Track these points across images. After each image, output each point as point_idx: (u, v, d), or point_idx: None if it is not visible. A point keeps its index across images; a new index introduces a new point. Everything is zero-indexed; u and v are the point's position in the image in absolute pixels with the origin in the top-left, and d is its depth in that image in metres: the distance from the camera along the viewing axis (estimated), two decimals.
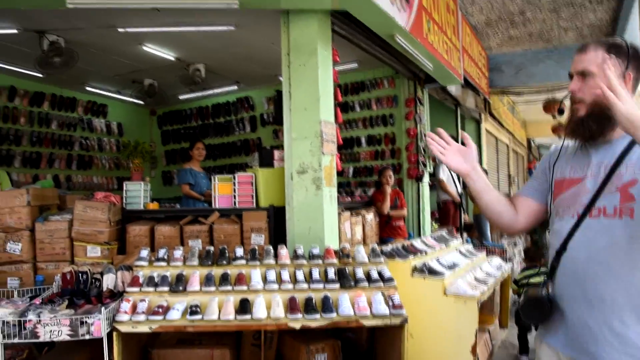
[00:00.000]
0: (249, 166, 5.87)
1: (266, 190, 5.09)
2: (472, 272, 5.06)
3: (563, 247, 1.90)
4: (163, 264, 4.06)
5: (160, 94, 9.64)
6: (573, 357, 1.86)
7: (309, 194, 4.70)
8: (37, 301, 3.72)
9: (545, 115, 12.48)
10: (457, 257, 5.54)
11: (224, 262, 4.09)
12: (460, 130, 1.98)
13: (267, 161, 5.39)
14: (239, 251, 4.21)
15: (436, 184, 9.05)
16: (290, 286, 3.83)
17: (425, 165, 8.09)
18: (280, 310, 3.56)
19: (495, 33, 9.46)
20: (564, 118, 2.12)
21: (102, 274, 4.02)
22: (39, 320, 3.31)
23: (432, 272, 4.66)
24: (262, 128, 10.74)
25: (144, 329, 3.44)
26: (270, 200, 5.01)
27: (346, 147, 9.56)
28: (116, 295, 3.82)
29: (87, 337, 3.33)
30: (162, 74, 8.92)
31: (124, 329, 3.42)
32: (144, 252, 4.17)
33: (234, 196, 5.14)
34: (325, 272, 4.01)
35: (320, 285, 3.84)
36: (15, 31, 6.31)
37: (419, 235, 7.57)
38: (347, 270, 4.04)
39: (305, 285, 3.84)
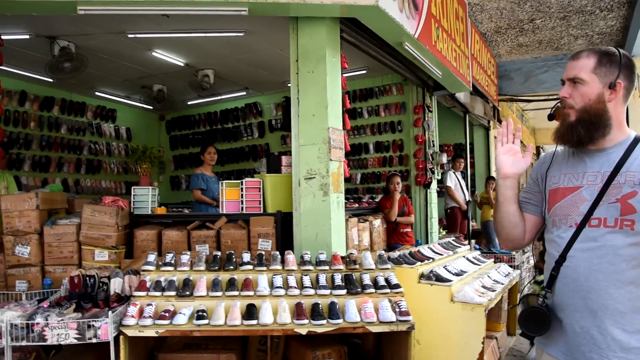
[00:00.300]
0: (256, 172, 5.88)
1: (274, 196, 5.10)
2: (479, 279, 5.04)
3: (562, 257, 1.90)
4: (170, 268, 4.07)
5: (169, 99, 9.70)
6: None
7: (316, 200, 4.70)
8: (45, 304, 3.73)
9: (555, 122, 12.40)
10: (465, 264, 5.52)
11: (231, 267, 4.09)
12: (528, 145, 1.97)
13: (274, 167, 5.40)
14: (246, 256, 4.22)
15: (444, 191, 9.03)
16: (297, 292, 3.82)
17: (433, 172, 8.07)
18: (286, 315, 3.55)
19: (505, 40, 9.45)
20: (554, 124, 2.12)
21: (109, 278, 4.03)
22: (47, 324, 3.32)
23: (439, 279, 4.65)
24: (270, 134, 10.77)
25: (151, 333, 3.45)
26: (277, 206, 5.02)
27: (354, 154, 9.58)
28: (123, 299, 3.83)
29: (94, 340, 3.34)
30: (171, 80, 8.99)
31: (130, 333, 3.43)
32: (152, 257, 4.18)
33: (242, 202, 5.15)
34: (332, 278, 4.00)
35: (327, 291, 3.83)
36: (27, 36, 6.38)
37: (427, 242, 7.54)
38: (354, 277, 4.03)
39: (312, 291, 3.83)
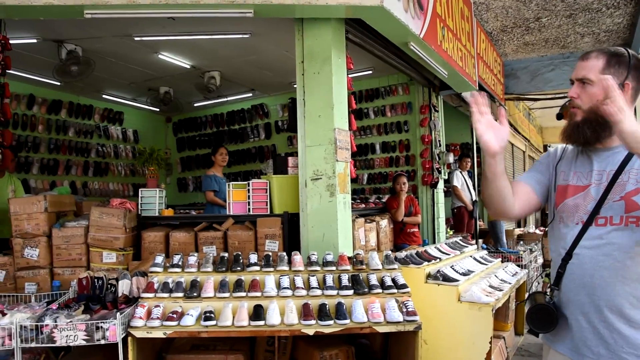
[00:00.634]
0: (263, 173, 5.90)
1: (280, 197, 5.11)
2: (486, 279, 5.03)
3: (569, 254, 1.92)
4: (178, 270, 4.09)
5: (175, 101, 9.74)
6: None
7: (323, 200, 4.70)
8: (54, 306, 3.76)
9: (562, 121, 12.35)
10: (472, 263, 5.51)
11: (238, 268, 4.10)
12: (500, 109, 1.93)
13: (281, 168, 5.41)
14: (253, 257, 4.23)
15: (450, 191, 9.01)
16: (304, 292, 3.83)
17: (439, 172, 8.06)
18: (294, 316, 3.56)
19: (511, 39, 9.41)
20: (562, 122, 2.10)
21: (117, 279, 4.05)
22: (56, 325, 3.35)
23: (446, 278, 4.64)
24: (276, 135, 10.79)
25: (159, 334, 3.46)
26: (284, 207, 5.03)
27: (360, 154, 9.58)
28: (131, 300, 3.85)
29: (102, 342, 3.36)
30: (177, 82, 9.02)
31: (138, 334, 3.45)
32: (159, 258, 4.20)
33: (249, 203, 5.16)
34: (339, 279, 4.01)
35: (334, 292, 3.84)
36: (34, 40, 6.43)
37: (434, 241, 7.54)
38: (360, 277, 4.03)
39: (319, 292, 3.84)
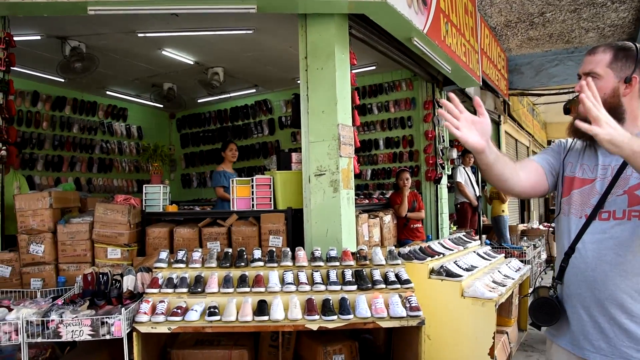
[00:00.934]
0: (267, 169, 5.90)
1: (284, 193, 5.12)
2: (490, 275, 5.03)
3: (572, 248, 1.93)
4: (182, 265, 4.11)
5: (179, 97, 9.75)
6: (585, 356, 1.88)
7: (326, 196, 4.71)
8: (60, 302, 3.79)
9: (566, 116, 12.31)
10: (475, 259, 5.51)
11: (242, 263, 4.12)
12: (474, 98, 1.89)
13: (285, 164, 5.42)
14: (257, 253, 4.25)
15: (454, 186, 9.01)
16: (307, 288, 3.84)
17: (443, 168, 8.06)
18: (297, 311, 3.57)
19: (515, 34, 9.39)
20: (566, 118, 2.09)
21: (122, 275, 4.07)
22: (62, 320, 3.37)
23: (449, 274, 4.65)
24: (280, 131, 10.79)
25: (163, 329, 3.48)
26: (288, 203, 5.04)
27: (364, 150, 9.57)
28: (136, 296, 3.87)
29: (107, 337, 3.38)
30: (181, 78, 9.03)
31: (143, 329, 3.47)
32: (163, 254, 4.22)
33: (252, 199, 5.18)
34: (343, 274, 4.02)
35: (338, 287, 3.85)
36: (38, 37, 6.45)
37: (437, 237, 7.54)
38: (364, 272, 4.05)
39: (322, 287, 3.85)
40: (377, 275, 4.01)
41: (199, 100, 10.96)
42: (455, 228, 8.60)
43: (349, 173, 4.83)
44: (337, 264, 4.14)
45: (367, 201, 7.38)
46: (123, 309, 3.47)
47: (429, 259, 4.89)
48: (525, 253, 7.45)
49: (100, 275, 4.08)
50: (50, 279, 4.73)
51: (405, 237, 6.84)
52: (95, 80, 8.74)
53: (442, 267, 4.75)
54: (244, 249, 4.36)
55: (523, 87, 11.29)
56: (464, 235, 6.58)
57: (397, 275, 4.02)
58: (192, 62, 8.02)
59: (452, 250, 5.48)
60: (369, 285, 3.87)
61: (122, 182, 10.71)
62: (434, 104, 8.04)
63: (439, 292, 4.58)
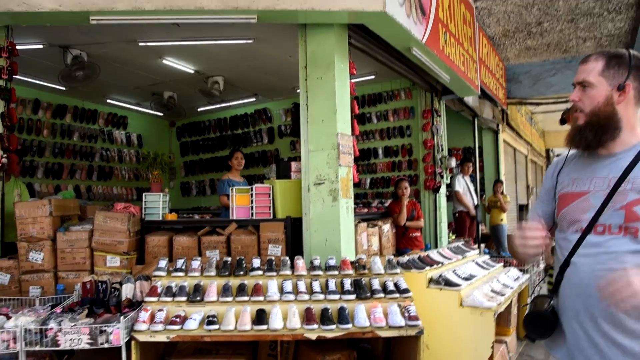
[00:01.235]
0: (266, 177, 5.91)
1: (283, 202, 5.13)
2: (489, 284, 5.04)
3: (567, 262, 1.91)
4: (181, 274, 4.11)
5: (179, 106, 9.78)
6: None
7: (325, 205, 4.73)
8: (58, 310, 3.79)
9: (566, 125, 12.38)
10: (474, 268, 5.52)
11: (241, 272, 4.13)
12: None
13: (284, 173, 5.43)
14: (256, 262, 4.26)
15: (452, 195, 9.03)
16: (306, 297, 3.85)
17: (442, 177, 8.08)
18: (296, 320, 3.58)
19: (513, 44, 9.44)
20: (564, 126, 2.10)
21: (121, 283, 4.08)
22: (60, 329, 3.38)
23: (448, 283, 4.65)
24: (279, 139, 10.82)
25: (162, 338, 3.49)
26: (287, 212, 5.05)
27: (363, 159, 9.61)
28: (135, 304, 3.88)
29: (106, 345, 3.38)
30: (181, 87, 9.07)
31: (142, 338, 3.47)
32: (163, 263, 4.23)
33: (252, 207, 5.19)
34: (342, 283, 4.03)
35: (337, 296, 3.86)
36: (40, 46, 6.49)
37: (436, 246, 7.55)
38: (363, 281, 4.05)
39: (321, 296, 3.86)
40: (376, 284, 4.02)
41: (199, 109, 10.99)
42: (454, 237, 8.61)
43: (348, 182, 4.85)
44: (336, 273, 4.15)
45: (366, 210, 7.39)
46: (122, 317, 3.47)
47: (428, 268, 4.89)
48: (523, 262, 7.44)
49: (99, 284, 4.08)
50: (49, 287, 4.73)
51: (404, 246, 6.84)
52: (95, 89, 8.78)
53: (440, 276, 4.76)
54: (243, 257, 4.37)
55: (521, 96, 11.34)
56: (462, 244, 6.59)
57: (395, 285, 4.03)
58: (192, 71, 8.05)
59: (451, 259, 5.49)
60: (368, 294, 3.88)
61: (121, 190, 10.72)
62: (433, 113, 8.07)
63: (437, 301, 4.59)
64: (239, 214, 5.24)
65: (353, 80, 5.19)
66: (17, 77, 4.91)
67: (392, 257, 4.51)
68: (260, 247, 4.91)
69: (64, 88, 8.51)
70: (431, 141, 8.12)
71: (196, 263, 4.23)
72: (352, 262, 4.31)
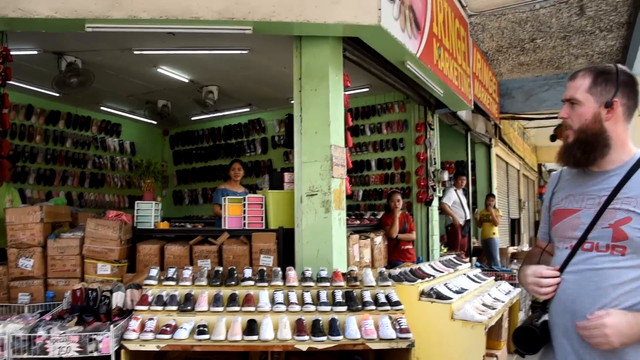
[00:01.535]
0: (259, 188, 5.91)
1: (276, 212, 5.13)
2: (480, 297, 5.05)
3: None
4: (172, 283, 4.10)
5: (172, 115, 9.78)
6: None
7: (318, 216, 4.73)
8: (47, 317, 3.76)
9: (558, 141, 12.48)
10: (466, 281, 5.53)
11: (233, 282, 4.11)
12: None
13: (277, 183, 5.44)
14: (248, 272, 4.25)
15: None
16: (297, 308, 3.85)
17: (434, 190, 8.11)
18: (287, 331, 3.57)
19: (506, 59, 9.54)
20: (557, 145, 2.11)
21: (111, 291, 4.06)
22: (49, 336, 3.35)
23: (439, 296, 4.66)
24: (273, 150, 10.84)
25: (152, 347, 3.47)
26: (279, 222, 5.05)
27: (356, 170, 9.63)
28: (125, 313, 3.86)
29: (95, 354, 3.36)
30: (175, 96, 9.08)
31: (131, 347, 3.45)
32: (154, 271, 4.21)
33: (244, 217, 5.18)
34: (333, 295, 4.03)
35: (328, 308, 3.85)
36: (35, 52, 6.48)
37: (428, 259, 7.56)
38: (354, 293, 4.05)
39: (312, 307, 3.86)
40: (367, 296, 4.02)
41: (192, 118, 11.00)
42: (445, 250, 8.63)
43: (340, 194, 4.86)
44: (328, 284, 4.15)
45: (358, 222, 7.40)
46: (112, 325, 3.45)
47: (420, 280, 4.90)
48: (515, 276, 7.47)
49: (90, 291, 4.06)
50: (38, 294, 4.69)
51: (396, 258, 6.85)
52: (89, 96, 8.77)
53: (432, 289, 4.77)
54: (234, 267, 4.36)
55: (514, 111, 11.43)
56: (454, 257, 6.60)
57: (387, 297, 4.03)
58: (187, 80, 8.07)
59: (443, 272, 5.50)
60: (359, 306, 3.88)
61: (113, 197, 10.68)
62: (426, 127, 8.11)
63: (429, 314, 4.59)
64: (232, 223, 5.23)
65: (347, 93, 5.21)
66: (10, 82, 4.89)
67: (383, 269, 4.52)
68: (252, 258, 4.90)
69: (57, 94, 8.50)
70: (424, 154, 8.15)
71: (187, 272, 4.21)
72: (343, 274, 4.31)
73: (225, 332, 3.55)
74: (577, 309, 1.81)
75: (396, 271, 5.07)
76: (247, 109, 10.41)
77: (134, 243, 5.14)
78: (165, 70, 7.57)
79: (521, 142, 15.48)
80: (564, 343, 1.87)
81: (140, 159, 7.27)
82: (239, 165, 6.74)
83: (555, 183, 2.10)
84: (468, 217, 9.20)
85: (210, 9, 4.39)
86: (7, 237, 4.79)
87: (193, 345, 3.49)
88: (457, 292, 4.90)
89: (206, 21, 4.45)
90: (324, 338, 3.53)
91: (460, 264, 6.19)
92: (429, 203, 8.05)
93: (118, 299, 3.97)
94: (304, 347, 3.49)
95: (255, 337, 3.51)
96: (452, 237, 9.08)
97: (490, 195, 10.47)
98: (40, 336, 3.35)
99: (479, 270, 6.63)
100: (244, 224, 5.17)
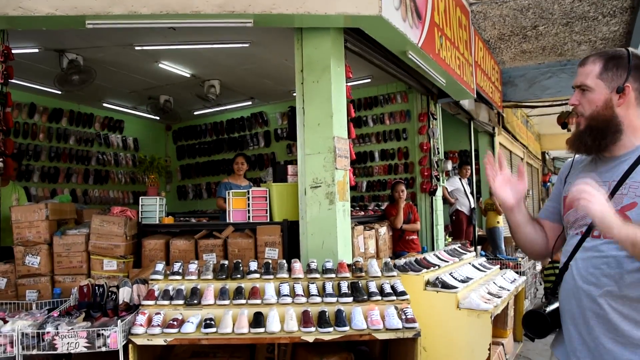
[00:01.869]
0: (263, 181, 5.91)
1: (280, 205, 5.14)
2: (485, 286, 5.06)
3: (565, 265, 1.92)
4: (178, 277, 4.12)
5: (175, 110, 9.78)
6: None
7: (322, 208, 4.74)
8: (55, 313, 3.78)
9: (560, 127, 12.46)
10: (471, 270, 5.54)
11: (238, 275, 4.13)
12: (519, 165, 1.94)
13: (281, 176, 5.44)
14: (253, 265, 4.26)
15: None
16: (303, 300, 3.86)
17: (438, 180, 8.10)
18: (293, 323, 3.58)
19: (508, 47, 9.48)
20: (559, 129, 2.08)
21: (118, 287, 4.08)
22: (57, 332, 3.37)
23: (445, 285, 4.67)
24: (276, 143, 10.83)
25: (159, 341, 3.49)
26: (284, 215, 5.06)
27: (359, 162, 9.61)
28: (132, 308, 3.88)
29: (103, 349, 3.38)
30: (177, 90, 9.07)
31: (139, 341, 3.47)
32: (160, 266, 4.23)
33: (248, 211, 5.19)
34: (339, 286, 4.04)
35: (334, 299, 3.87)
36: (36, 50, 6.48)
37: (433, 249, 7.56)
38: (360, 284, 4.06)
39: (318, 299, 3.87)
40: (372, 287, 4.03)
41: (195, 113, 10.99)
42: (450, 239, 8.63)
43: (344, 185, 4.86)
44: (333, 275, 4.16)
45: (362, 213, 7.41)
46: (119, 320, 3.47)
47: (425, 270, 4.91)
48: (520, 264, 7.48)
49: (96, 287, 4.08)
50: (45, 291, 4.72)
51: (401, 248, 6.86)
52: (92, 93, 8.77)
53: (437, 278, 4.78)
54: (240, 261, 4.37)
55: (517, 99, 11.37)
56: (459, 246, 6.61)
57: (392, 287, 4.04)
58: (188, 75, 8.06)
59: (448, 261, 5.51)
60: (365, 297, 3.89)
61: (118, 193, 10.70)
62: (429, 116, 8.09)
63: (434, 303, 4.60)
64: (236, 217, 5.24)
65: (349, 84, 5.20)
66: (13, 81, 4.90)
67: (388, 259, 4.52)
68: (257, 251, 4.91)
69: (60, 92, 8.50)
70: (427, 144, 8.14)
71: (193, 266, 4.23)
72: (349, 265, 4.32)
73: (232, 325, 3.56)
74: (583, 295, 1.81)
75: (401, 261, 5.08)
76: (250, 103, 10.39)
77: (139, 238, 5.16)
78: (166, 66, 7.56)
79: (524, 130, 15.41)
80: (571, 328, 1.88)
81: (144, 154, 7.29)
82: (243, 159, 6.75)
83: (567, 170, 2.09)
84: (472, 206, 9.19)
85: (211, 3, 4.38)
86: (13, 235, 4.81)
87: (200, 338, 3.51)
88: (463, 281, 4.92)
89: (207, 15, 4.44)
90: (331, 329, 3.55)
91: (465, 253, 6.20)
92: (433, 193, 8.04)
93: (125, 294, 3.99)
94: (310, 339, 3.51)
95: (262, 330, 3.53)
96: (457, 226, 9.08)
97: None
98: (48, 332, 3.37)
99: (483, 259, 6.64)
100: (249, 217, 5.18)
